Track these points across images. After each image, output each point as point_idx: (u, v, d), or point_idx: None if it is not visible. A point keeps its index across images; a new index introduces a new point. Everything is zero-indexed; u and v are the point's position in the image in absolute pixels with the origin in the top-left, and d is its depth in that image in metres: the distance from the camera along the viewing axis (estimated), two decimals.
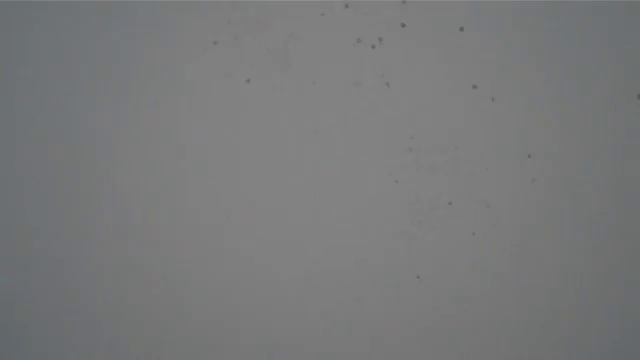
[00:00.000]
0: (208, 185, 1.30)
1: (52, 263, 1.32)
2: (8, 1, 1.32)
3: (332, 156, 1.28)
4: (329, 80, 1.27)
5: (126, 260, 1.31)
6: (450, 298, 1.27)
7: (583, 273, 1.25)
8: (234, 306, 1.31)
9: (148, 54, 1.30)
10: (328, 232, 1.28)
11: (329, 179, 1.28)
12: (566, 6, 1.24)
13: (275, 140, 1.29)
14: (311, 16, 1.27)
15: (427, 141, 1.26)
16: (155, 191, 1.30)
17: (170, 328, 1.31)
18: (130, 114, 1.30)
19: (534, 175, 1.25)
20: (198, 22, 1.29)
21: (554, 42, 1.25)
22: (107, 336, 1.32)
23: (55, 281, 1.32)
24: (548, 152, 1.24)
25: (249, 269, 1.30)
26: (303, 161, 1.28)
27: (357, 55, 1.27)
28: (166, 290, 1.31)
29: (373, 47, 1.26)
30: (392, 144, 1.27)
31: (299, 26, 1.27)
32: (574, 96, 1.24)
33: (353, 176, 1.28)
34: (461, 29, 1.25)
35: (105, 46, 1.31)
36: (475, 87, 1.25)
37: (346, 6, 1.27)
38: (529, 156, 1.25)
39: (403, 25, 1.26)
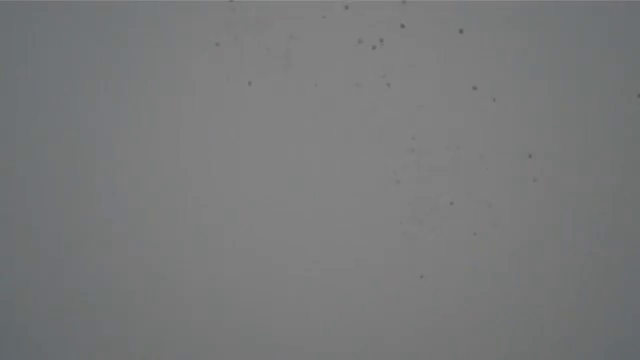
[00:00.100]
0: (209, 186, 1.30)
1: (52, 263, 1.32)
2: (8, 1, 1.32)
3: (334, 157, 1.28)
4: (330, 81, 1.28)
5: (126, 260, 1.31)
6: (453, 298, 1.27)
7: (583, 273, 1.25)
8: (234, 306, 1.31)
9: (149, 55, 1.30)
10: (330, 232, 1.28)
11: (331, 180, 1.28)
12: (566, 6, 1.25)
13: (276, 141, 1.29)
14: (312, 18, 1.27)
15: (428, 142, 1.26)
16: (155, 191, 1.30)
17: (170, 328, 1.31)
18: (131, 115, 1.30)
19: (535, 175, 1.25)
20: (200, 23, 1.29)
21: (554, 43, 1.25)
22: (107, 336, 1.32)
23: (55, 281, 1.32)
24: (549, 152, 1.24)
25: (251, 269, 1.30)
26: (304, 162, 1.29)
27: (358, 56, 1.27)
28: (166, 290, 1.31)
29: (374, 48, 1.26)
30: (394, 145, 1.27)
31: (300, 28, 1.27)
32: (574, 96, 1.24)
33: (355, 177, 1.28)
34: (460, 31, 1.25)
35: (106, 47, 1.31)
36: (475, 88, 1.25)
37: (346, 7, 1.27)
38: (530, 156, 1.25)
39: (402, 26, 1.26)
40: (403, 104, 1.27)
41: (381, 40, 1.27)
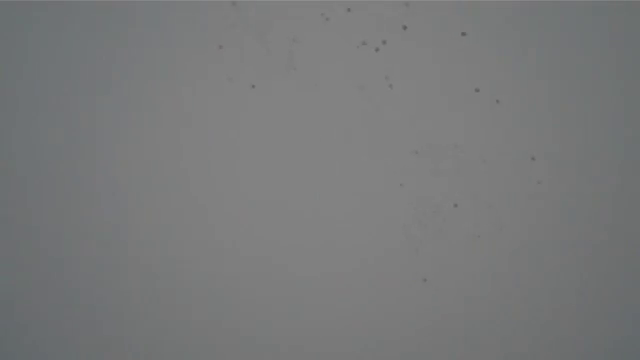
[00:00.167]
0: (211, 188, 1.30)
1: (52, 263, 1.32)
2: (8, 1, 1.32)
3: (337, 160, 1.28)
4: (333, 83, 1.28)
5: (126, 260, 1.31)
6: (456, 301, 1.27)
7: (588, 275, 1.25)
8: (235, 306, 1.31)
9: (151, 57, 1.30)
10: (333, 235, 1.28)
11: (334, 182, 1.28)
12: (567, 8, 1.25)
13: (279, 143, 1.29)
14: (314, 20, 1.27)
15: (432, 144, 1.27)
16: (156, 192, 1.30)
17: (170, 328, 1.31)
18: (132, 117, 1.30)
19: (539, 177, 1.25)
20: (202, 26, 1.29)
21: (557, 45, 1.25)
22: (107, 336, 1.32)
23: (55, 281, 1.32)
24: (552, 154, 1.25)
25: (253, 270, 1.30)
26: (307, 164, 1.29)
27: (361, 58, 1.27)
28: (166, 290, 1.31)
29: (377, 50, 1.27)
30: (397, 147, 1.27)
31: (302, 30, 1.28)
32: (577, 98, 1.25)
33: (358, 179, 1.28)
34: (463, 34, 1.25)
35: (108, 50, 1.30)
36: (478, 90, 1.25)
37: (348, 9, 1.27)
38: (533, 158, 1.25)
39: (405, 27, 1.26)
40: (406, 106, 1.27)
41: (384, 42, 1.27)
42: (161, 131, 1.30)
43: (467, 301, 1.27)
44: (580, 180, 1.25)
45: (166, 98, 1.30)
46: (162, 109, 1.30)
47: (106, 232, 1.31)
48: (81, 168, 1.31)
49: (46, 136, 1.31)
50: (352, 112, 1.28)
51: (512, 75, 1.25)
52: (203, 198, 1.30)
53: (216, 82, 1.29)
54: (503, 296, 1.27)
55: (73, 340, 1.32)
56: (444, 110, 1.26)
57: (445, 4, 1.26)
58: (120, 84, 1.30)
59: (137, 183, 1.30)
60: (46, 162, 1.31)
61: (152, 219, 1.31)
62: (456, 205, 1.26)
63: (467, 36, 1.25)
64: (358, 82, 1.27)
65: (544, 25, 1.25)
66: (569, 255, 1.25)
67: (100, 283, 1.32)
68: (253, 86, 1.29)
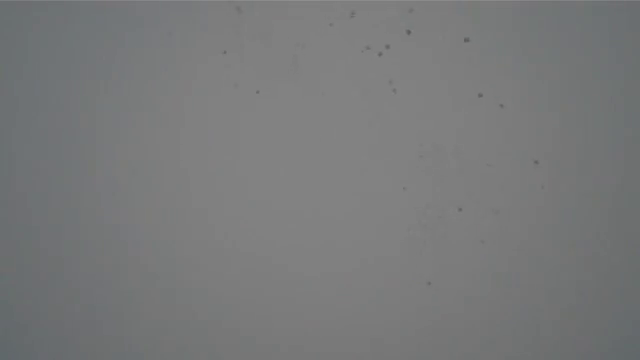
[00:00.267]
0: (215, 193, 1.30)
1: (52, 263, 1.32)
2: (8, 1, 1.31)
3: (341, 164, 1.28)
4: (338, 88, 1.28)
5: (126, 260, 1.31)
6: (460, 305, 1.28)
7: (591, 279, 1.26)
8: (235, 307, 1.31)
9: (156, 62, 1.29)
10: (337, 239, 1.28)
11: (338, 187, 1.28)
12: (569, 12, 1.25)
13: (284, 147, 1.29)
14: (319, 25, 1.27)
15: (436, 148, 1.27)
16: (158, 195, 1.30)
17: (170, 328, 1.31)
18: (137, 122, 1.30)
19: (542, 181, 1.25)
20: (207, 31, 1.29)
21: (560, 49, 1.25)
22: (107, 336, 1.32)
23: (55, 281, 1.32)
24: (555, 158, 1.25)
25: (255, 274, 1.30)
26: (311, 169, 1.29)
27: (365, 63, 1.27)
28: (166, 290, 1.31)
29: (380, 54, 1.27)
30: (401, 151, 1.27)
31: (307, 35, 1.27)
32: (579, 102, 1.25)
33: (362, 183, 1.28)
34: (466, 40, 1.25)
35: (113, 55, 1.30)
36: (481, 95, 1.25)
37: (352, 14, 1.27)
38: (536, 162, 1.25)
39: (409, 32, 1.26)
40: (410, 111, 1.27)
41: (387, 46, 1.27)
42: (166, 135, 1.30)
43: (471, 305, 1.27)
44: (583, 184, 1.25)
45: (169, 102, 1.30)
46: (166, 113, 1.30)
47: (106, 232, 1.31)
48: (81, 168, 1.31)
49: (46, 136, 1.31)
50: (356, 116, 1.28)
51: (516, 80, 1.25)
52: (206, 200, 1.30)
53: (221, 87, 1.29)
54: (507, 300, 1.27)
55: (73, 340, 1.33)
56: (448, 114, 1.26)
57: (449, 10, 1.26)
58: (124, 88, 1.30)
59: (138, 185, 1.30)
60: (46, 162, 1.31)
61: (152, 219, 1.31)
62: (460, 209, 1.26)
63: (471, 41, 1.25)
64: (362, 86, 1.27)
65: (547, 30, 1.25)
66: (572, 258, 1.25)
67: (100, 283, 1.32)
68: (258, 92, 1.29)
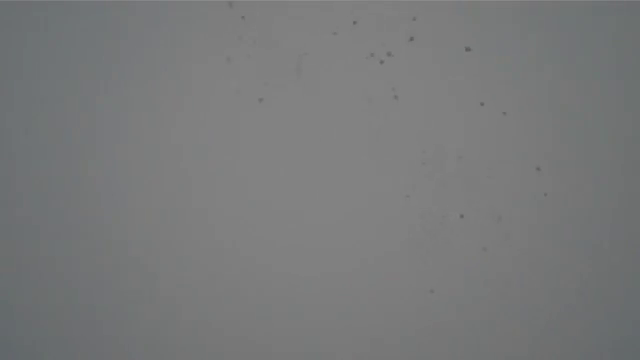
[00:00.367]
0: (218, 200, 1.30)
1: (52, 263, 1.32)
2: (8, 1, 1.30)
3: (344, 171, 1.28)
4: (341, 95, 1.27)
5: (126, 260, 1.31)
6: (464, 312, 1.28)
7: (594, 285, 1.26)
8: (237, 307, 1.31)
9: (158, 69, 1.29)
10: (340, 246, 1.28)
11: (341, 193, 1.28)
12: (569, 16, 1.25)
13: (286, 155, 1.29)
14: (322, 34, 1.27)
15: (438, 154, 1.27)
16: (159, 198, 1.30)
17: (170, 328, 1.32)
18: (139, 129, 1.30)
19: (544, 188, 1.25)
20: (211, 38, 1.28)
21: (561, 56, 1.25)
22: (107, 336, 1.32)
23: (55, 281, 1.32)
24: (558, 165, 1.25)
25: (256, 279, 1.30)
26: (314, 177, 1.29)
27: (368, 71, 1.27)
28: (166, 290, 1.31)
29: (382, 62, 1.26)
30: (404, 158, 1.27)
31: (310, 43, 1.27)
32: (580, 108, 1.25)
33: (365, 190, 1.28)
34: (467, 49, 1.25)
35: (116, 61, 1.30)
36: (482, 104, 1.25)
37: (354, 23, 1.27)
38: (538, 169, 1.25)
39: (412, 39, 1.26)
40: (414, 119, 1.27)
41: (389, 54, 1.26)
42: (167, 139, 1.30)
43: (473, 311, 1.28)
44: (585, 190, 1.25)
45: (172, 108, 1.29)
46: (168, 119, 1.30)
47: (106, 232, 1.31)
48: (81, 168, 1.31)
49: (46, 136, 1.31)
50: (359, 124, 1.28)
51: (517, 87, 1.25)
52: (208, 202, 1.30)
53: (224, 94, 1.29)
54: (509, 306, 1.27)
55: (73, 340, 1.33)
56: (450, 121, 1.26)
57: (451, 18, 1.25)
58: (125, 92, 1.30)
59: (138, 186, 1.30)
60: (46, 162, 1.31)
61: (152, 220, 1.31)
62: (462, 216, 1.26)
63: (473, 50, 1.25)
64: (365, 94, 1.27)
65: (550, 36, 1.25)
66: (574, 265, 1.26)
67: (100, 283, 1.32)
68: (261, 99, 1.28)
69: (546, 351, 1.27)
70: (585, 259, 1.26)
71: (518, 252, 1.26)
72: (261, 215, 1.29)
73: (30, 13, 1.30)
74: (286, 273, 1.29)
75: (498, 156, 1.26)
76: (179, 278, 1.31)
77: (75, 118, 1.30)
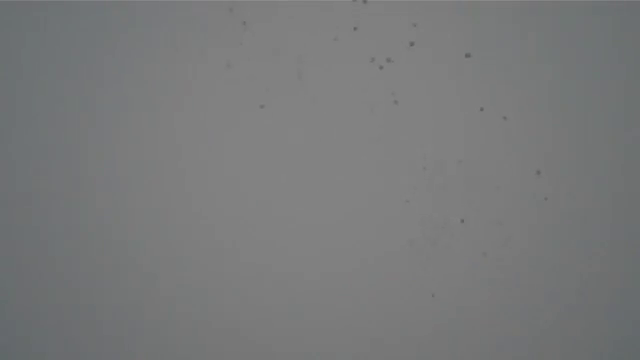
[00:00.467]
0: (219, 205, 1.30)
1: (52, 263, 1.32)
2: (8, 1, 1.30)
3: (345, 176, 1.28)
4: (342, 101, 1.27)
5: (126, 260, 1.31)
6: (465, 316, 1.28)
7: (595, 290, 1.26)
8: (237, 307, 1.31)
9: (159, 74, 1.29)
10: (341, 251, 1.28)
11: (342, 199, 1.28)
12: (568, 21, 1.24)
13: (287, 160, 1.29)
14: (323, 40, 1.27)
15: (439, 160, 1.27)
16: (161, 212, 1.30)
17: (170, 328, 1.32)
18: (140, 135, 1.30)
19: (545, 192, 1.25)
20: (211, 44, 1.28)
21: (562, 59, 1.25)
22: (107, 336, 1.32)
23: (55, 281, 1.32)
24: (559, 169, 1.25)
25: (259, 285, 1.30)
26: (315, 182, 1.28)
27: (369, 76, 1.27)
28: (166, 290, 1.31)
29: (381, 68, 1.26)
30: (405, 163, 1.27)
31: (311, 49, 1.27)
32: (580, 112, 1.25)
33: (365, 195, 1.28)
34: (467, 55, 1.25)
35: (115, 65, 1.30)
36: (482, 109, 1.25)
37: (355, 29, 1.26)
38: (538, 172, 1.25)
39: (412, 44, 1.26)
40: (414, 124, 1.27)
41: (388, 59, 1.26)
42: (168, 144, 1.29)
43: (473, 316, 1.28)
44: (586, 194, 1.25)
45: (172, 115, 1.29)
46: (169, 125, 1.29)
47: (106, 232, 1.31)
48: (81, 168, 1.31)
49: (46, 136, 1.30)
50: (360, 129, 1.28)
51: (517, 91, 1.25)
52: (210, 214, 1.30)
53: (225, 100, 1.29)
54: (509, 311, 1.27)
55: (73, 340, 1.33)
56: (451, 126, 1.26)
57: (451, 24, 1.25)
58: (126, 96, 1.30)
59: (138, 187, 1.30)
60: (45, 162, 1.31)
61: (152, 220, 1.30)
62: (463, 221, 1.26)
63: (473, 53, 1.25)
64: (367, 99, 1.27)
65: (549, 39, 1.24)
66: (575, 269, 1.26)
67: (100, 283, 1.32)
68: (262, 106, 1.28)
69: (547, 355, 1.27)
70: (585, 263, 1.26)
71: (519, 256, 1.26)
72: (261, 220, 1.29)
73: (30, 13, 1.30)
74: (287, 274, 1.30)
75: (498, 161, 1.26)
76: (179, 278, 1.31)
77: (75, 118, 1.30)
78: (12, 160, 1.31)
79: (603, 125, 1.25)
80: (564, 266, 1.26)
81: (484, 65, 1.25)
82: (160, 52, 1.29)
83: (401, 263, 1.28)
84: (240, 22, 1.28)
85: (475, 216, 1.26)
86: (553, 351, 1.27)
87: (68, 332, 1.32)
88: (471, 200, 1.26)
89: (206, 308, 1.31)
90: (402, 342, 1.29)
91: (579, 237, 1.25)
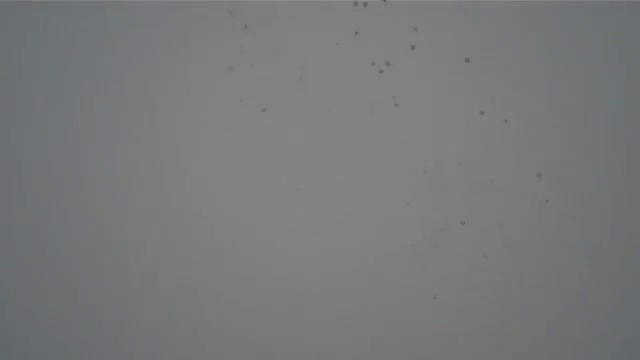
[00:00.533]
0: (221, 209, 1.30)
1: (52, 263, 1.32)
2: (8, 1, 1.30)
3: (347, 179, 1.28)
4: (343, 104, 1.27)
5: (126, 260, 1.31)
6: (467, 318, 1.28)
7: (596, 292, 1.26)
8: (237, 307, 1.31)
9: (160, 78, 1.29)
10: (342, 254, 1.29)
11: (343, 202, 1.28)
12: (568, 25, 1.24)
13: (288, 163, 1.29)
14: (324, 44, 1.27)
15: (439, 162, 1.27)
16: (163, 216, 1.30)
17: (170, 328, 1.32)
18: (141, 139, 1.30)
19: (546, 195, 1.25)
20: (213, 47, 1.28)
21: (562, 62, 1.25)
22: (107, 336, 1.33)
23: (55, 281, 1.32)
24: (559, 171, 1.25)
25: (260, 287, 1.30)
26: (316, 185, 1.28)
27: (370, 80, 1.27)
28: (166, 290, 1.31)
29: (381, 72, 1.26)
30: (406, 166, 1.27)
31: (312, 53, 1.27)
32: (580, 115, 1.25)
33: (366, 198, 1.28)
34: (467, 60, 1.25)
35: (115, 69, 1.29)
36: (482, 113, 1.25)
37: (356, 33, 1.26)
38: (539, 175, 1.25)
39: (413, 47, 1.26)
40: (415, 127, 1.27)
41: (389, 63, 1.26)
42: (169, 153, 1.29)
43: (476, 317, 1.28)
44: (586, 197, 1.25)
45: (174, 117, 1.29)
46: (170, 127, 1.29)
47: (106, 232, 1.31)
48: (81, 168, 1.30)
49: (46, 136, 1.30)
50: (361, 132, 1.27)
51: (518, 94, 1.25)
52: (211, 218, 1.30)
53: (226, 103, 1.29)
54: (509, 313, 1.27)
55: (73, 340, 1.33)
56: (451, 128, 1.26)
57: (452, 28, 1.25)
58: (126, 99, 1.30)
59: (138, 188, 1.30)
60: (45, 162, 1.31)
61: (152, 220, 1.30)
62: (463, 223, 1.26)
63: (473, 57, 1.25)
64: (367, 103, 1.27)
65: (549, 42, 1.24)
66: (576, 272, 1.26)
67: (100, 283, 1.32)
68: (263, 110, 1.28)
69: (547, 356, 1.27)
70: (586, 265, 1.26)
71: (519, 259, 1.26)
72: (261, 221, 1.29)
73: (30, 13, 1.30)
74: (287, 274, 1.30)
75: (499, 163, 1.26)
76: (179, 278, 1.31)
77: (75, 118, 1.30)
78: (12, 160, 1.31)
79: (603, 127, 1.24)
80: (564, 268, 1.26)
81: (484, 68, 1.25)
82: (161, 54, 1.29)
83: (402, 265, 1.28)
84: (241, 26, 1.28)
85: (476, 218, 1.27)
86: (553, 352, 1.27)
87: (68, 332, 1.32)
88: (472, 202, 1.26)
89: (206, 308, 1.31)
90: (402, 343, 1.29)
91: (579, 239, 1.25)
